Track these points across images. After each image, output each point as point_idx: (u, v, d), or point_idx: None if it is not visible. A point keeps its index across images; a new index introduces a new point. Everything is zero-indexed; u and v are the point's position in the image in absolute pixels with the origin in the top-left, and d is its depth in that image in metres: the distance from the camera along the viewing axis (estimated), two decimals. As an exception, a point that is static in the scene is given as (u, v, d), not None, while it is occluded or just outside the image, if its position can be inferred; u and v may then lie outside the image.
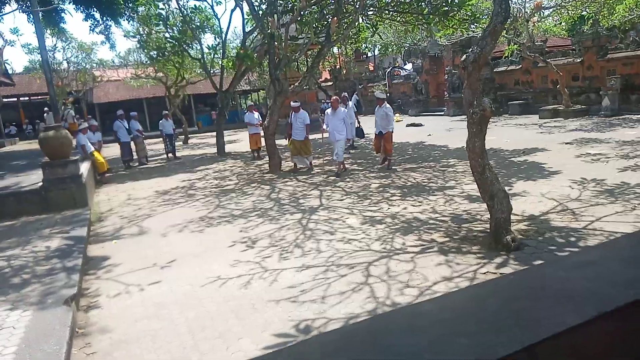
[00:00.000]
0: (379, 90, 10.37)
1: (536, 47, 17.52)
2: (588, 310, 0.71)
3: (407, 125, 19.85)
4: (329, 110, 10.00)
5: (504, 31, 11.27)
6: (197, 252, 5.51)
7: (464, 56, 4.56)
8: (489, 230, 4.95)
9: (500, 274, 4.08)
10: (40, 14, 9.04)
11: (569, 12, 15.35)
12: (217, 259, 5.17)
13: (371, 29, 13.01)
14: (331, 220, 6.32)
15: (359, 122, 13.16)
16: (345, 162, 10.23)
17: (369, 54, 42.19)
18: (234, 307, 3.92)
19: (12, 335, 3.36)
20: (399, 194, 7.55)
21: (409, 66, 31.74)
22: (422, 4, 10.41)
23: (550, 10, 15.59)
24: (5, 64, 10.07)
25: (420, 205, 6.72)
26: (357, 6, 10.83)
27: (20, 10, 11.93)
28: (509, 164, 9.15)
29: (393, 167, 9.91)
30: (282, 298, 4.02)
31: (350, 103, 13.36)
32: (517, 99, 20.19)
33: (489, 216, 4.94)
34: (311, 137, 10.77)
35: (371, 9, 11.51)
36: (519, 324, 0.71)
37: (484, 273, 4.14)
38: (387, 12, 11.53)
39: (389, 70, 32.32)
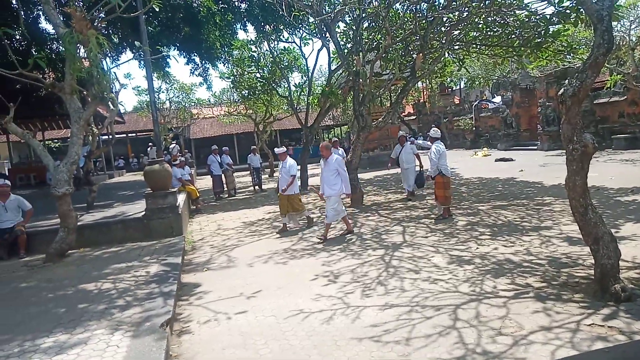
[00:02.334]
0: (433, 130, 9.29)
1: (644, 77, 16.06)
2: None
3: (496, 160, 19.02)
4: (322, 160, 8.23)
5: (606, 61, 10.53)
6: (281, 283, 5.62)
7: (562, 90, 4.32)
8: (593, 277, 4.49)
9: (609, 327, 3.66)
10: (150, 61, 10.13)
11: (683, 37, 13.97)
12: (300, 292, 5.23)
13: (457, 63, 12.79)
14: (415, 258, 6.15)
15: (421, 166, 11.21)
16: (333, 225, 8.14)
17: (455, 87, 41.45)
18: (316, 343, 3.91)
19: (117, 353, 3.64)
20: (489, 233, 7.16)
21: (497, 99, 30.64)
22: (513, 36, 10.08)
23: (660, 36, 14.30)
24: (119, 105, 11.52)
25: (512, 246, 6.31)
26: (443, 41, 10.77)
27: (135, 58, 13.49)
28: (615, 204, 8.33)
29: (442, 218, 8.40)
30: (364, 336, 3.95)
31: (408, 144, 11.55)
32: (622, 132, 18.50)
33: (592, 261, 4.50)
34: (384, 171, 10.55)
35: (458, 43, 11.38)
36: None
37: (590, 325, 3.74)
38: (474, 46, 11.31)
39: (476, 103, 31.42)
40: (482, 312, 4.20)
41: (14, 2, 14.61)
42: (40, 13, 15.58)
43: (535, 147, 22.35)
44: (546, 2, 7.68)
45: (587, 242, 4.47)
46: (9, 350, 3.86)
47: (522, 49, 10.12)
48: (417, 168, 11.31)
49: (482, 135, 29.04)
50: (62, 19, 7.46)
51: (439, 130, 9.36)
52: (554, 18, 8.26)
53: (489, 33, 10.54)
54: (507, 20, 9.42)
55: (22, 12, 11.40)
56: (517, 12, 9.37)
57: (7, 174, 20.87)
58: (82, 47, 6.79)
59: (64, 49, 7.11)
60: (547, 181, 11.83)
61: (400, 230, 8.00)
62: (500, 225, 7.68)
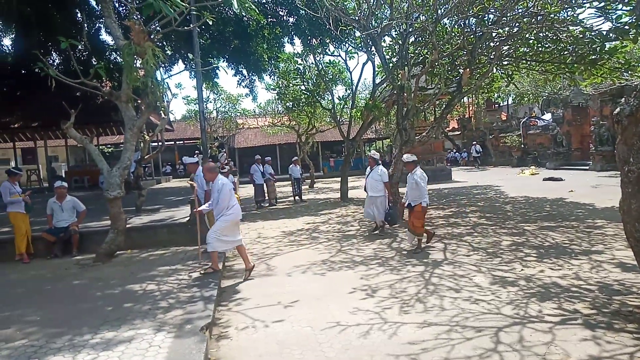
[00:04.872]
0: (407, 154, 8.28)
1: None
2: None
3: (545, 179, 18.36)
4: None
5: (667, 79, 10.00)
6: (319, 295, 5.62)
7: (618, 109, 4.14)
8: (649, 307, 4.24)
9: (666, 361, 3.44)
10: (201, 73, 10.53)
11: None
12: (337, 304, 5.21)
13: (506, 79, 12.51)
14: (456, 277, 6.01)
15: (390, 202, 9.14)
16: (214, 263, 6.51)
17: (502, 103, 40.44)
18: (352, 356, 3.89)
19: (158, 353, 3.77)
20: (535, 255, 6.90)
21: (547, 116, 29.64)
22: (565, 52, 9.76)
23: None
24: (170, 114, 12.08)
25: (560, 270, 6.05)
26: (491, 57, 10.58)
27: (187, 69, 14.08)
28: (675, 230, 7.83)
29: (420, 250, 7.53)
30: (401, 354, 3.88)
31: (378, 168, 9.17)
32: (684, 154, 17.41)
33: (649, 290, 4.25)
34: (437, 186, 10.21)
35: (507, 58, 11.14)
36: None
37: (644, 358, 3.52)
38: (524, 61, 11.04)
39: (524, 120, 30.50)
40: (526, 337, 4.05)
41: (78, 15, 15.60)
42: (101, 26, 16.56)
43: (587, 167, 21.41)
44: (603, 18, 7.41)
45: (643, 270, 4.24)
46: (61, 344, 4.08)
47: (576, 65, 9.78)
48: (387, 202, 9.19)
49: (529, 153, 28.12)
50: (121, 31, 7.91)
51: (413, 155, 8.06)
52: (611, 34, 7.95)
53: (540, 49, 10.27)
54: (560, 36, 9.15)
55: (85, 25, 12.16)
56: (571, 28, 9.08)
57: (64, 176, 22.14)
58: (139, 58, 7.16)
59: (122, 59, 7.53)
60: (599, 203, 11.28)
61: (442, 247, 7.85)
62: (547, 247, 7.39)
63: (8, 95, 17.81)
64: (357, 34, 14.38)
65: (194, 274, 6.38)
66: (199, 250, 7.04)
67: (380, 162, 9.53)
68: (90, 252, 7.86)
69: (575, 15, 9.02)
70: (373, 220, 9.50)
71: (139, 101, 8.01)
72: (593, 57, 9.23)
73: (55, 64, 15.64)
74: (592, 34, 8.63)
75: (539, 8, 8.66)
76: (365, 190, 9.52)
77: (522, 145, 29.12)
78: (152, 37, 7.20)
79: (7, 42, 18.29)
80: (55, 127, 17.06)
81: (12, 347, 4.07)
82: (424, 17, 10.82)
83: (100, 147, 28.70)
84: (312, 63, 17.44)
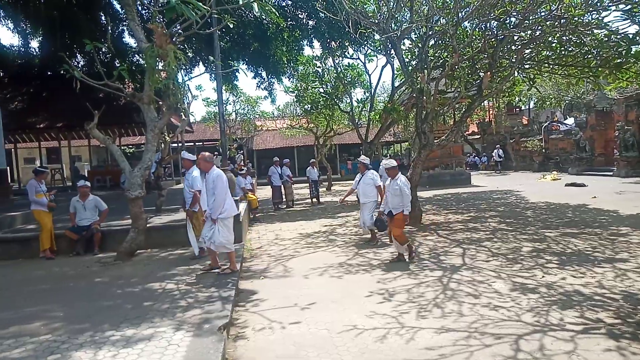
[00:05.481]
0: (387, 160, 8.07)
1: None
2: None
3: (567, 185, 18.02)
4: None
5: (696, 83, 9.73)
6: (336, 297, 5.62)
7: (645, 113, 4.04)
8: (676, 318, 4.12)
9: (694, 374, 3.33)
10: (221, 75, 10.65)
11: None
12: (354, 308, 5.20)
13: (528, 83, 12.32)
14: (475, 283, 5.93)
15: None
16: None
17: (524, 107, 39.85)
18: (369, 361, 3.88)
19: (177, 352, 3.81)
20: (557, 262, 6.77)
21: (570, 120, 29.14)
22: (589, 56, 9.56)
23: None
24: (190, 115, 12.27)
25: (582, 277, 5.92)
26: (513, 60, 10.44)
27: (207, 72, 14.28)
28: (703, 239, 7.60)
29: (414, 257, 7.29)
30: (419, 359, 3.85)
31: (369, 173, 8.86)
32: None
33: (676, 300, 4.13)
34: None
35: (529, 62, 10.97)
36: None
37: (670, 370, 3.43)
38: (547, 65, 10.86)
39: (546, 124, 29.99)
40: (547, 345, 3.97)
41: (103, 19, 15.95)
42: (125, 28, 16.90)
43: (611, 173, 20.93)
44: (629, 21, 7.25)
45: (670, 279, 4.12)
46: (83, 340, 4.16)
47: (600, 69, 9.58)
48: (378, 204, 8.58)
49: (551, 158, 27.63)
50: (144, 34, 8.05)
51: (394, 160, 7.73)
52: (637, 37, 7.77)
53: (563, 52, 10.08)
54: (584, 39, 8.97)
55: (109, 28, 12.43)
56: (595, 31, 8.90)
57: (86, 175, 22.60)
58: (161, 60, 7.28)
59: (144, 62, 7.67)
60: (623, 210, 11.01)
61: (460, 252, 7.76)
62: (570, 254, 7.24)
63: (34, 96, 18.33)
64: (377, 37, 14.35)
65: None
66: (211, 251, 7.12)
67: (370, 167, 9.17)
68: (111, 251, 8.01)
69: (600, 18, 8.84)
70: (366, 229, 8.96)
71: (161, 103, 8.13)
72: (618, 60, 9.02)
73: (79, 65, 16.02)
74: (618, 37, 8.44)
75: (562, 11, 8.52)
76: (357, 197, 9.13)
77: (544, 150, 28.63)
78: (174, 39, 7.31)
79: (34, 44, 18.83)
80: (79, 127, 17.43)
81: (36, 341, 4.17)
82: (444, 20, 10.74)
83: (122, 147, 29.22)
84: (330, 66, 17.48)
